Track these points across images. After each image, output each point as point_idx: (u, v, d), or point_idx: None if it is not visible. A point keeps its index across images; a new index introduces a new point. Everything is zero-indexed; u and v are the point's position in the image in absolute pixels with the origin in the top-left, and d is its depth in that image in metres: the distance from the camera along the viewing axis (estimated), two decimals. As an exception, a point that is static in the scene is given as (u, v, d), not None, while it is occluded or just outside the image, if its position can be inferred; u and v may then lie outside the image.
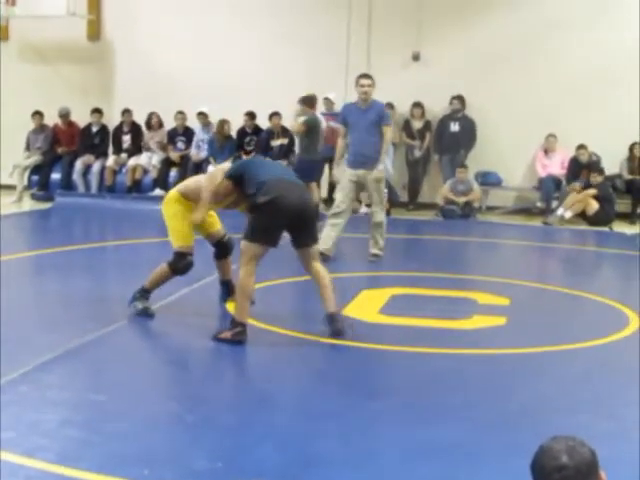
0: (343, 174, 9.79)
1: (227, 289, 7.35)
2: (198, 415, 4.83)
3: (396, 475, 4.09)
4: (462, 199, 13.69)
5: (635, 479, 3.99)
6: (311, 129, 12.51)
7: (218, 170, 6.82)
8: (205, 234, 7.20)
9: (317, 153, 12.79)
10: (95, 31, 16.11)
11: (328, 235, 9.53)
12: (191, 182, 7.16)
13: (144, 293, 6.96)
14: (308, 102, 12.81)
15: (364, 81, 9.57)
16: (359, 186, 9.85)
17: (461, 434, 4.59)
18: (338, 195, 9.80)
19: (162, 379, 5.77)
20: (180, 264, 6.85)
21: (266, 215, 6.16)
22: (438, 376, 5.75)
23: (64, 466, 4.05)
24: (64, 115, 15.35)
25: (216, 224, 7.24)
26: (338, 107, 14.18)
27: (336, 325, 6.37)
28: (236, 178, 6.43)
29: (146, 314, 6.87)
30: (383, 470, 4.13)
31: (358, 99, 9.68)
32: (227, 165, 7.14)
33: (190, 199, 6.85)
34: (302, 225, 6.33)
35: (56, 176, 15.14)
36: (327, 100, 14.13)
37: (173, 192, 7.08)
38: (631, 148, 13.89)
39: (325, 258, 9.08)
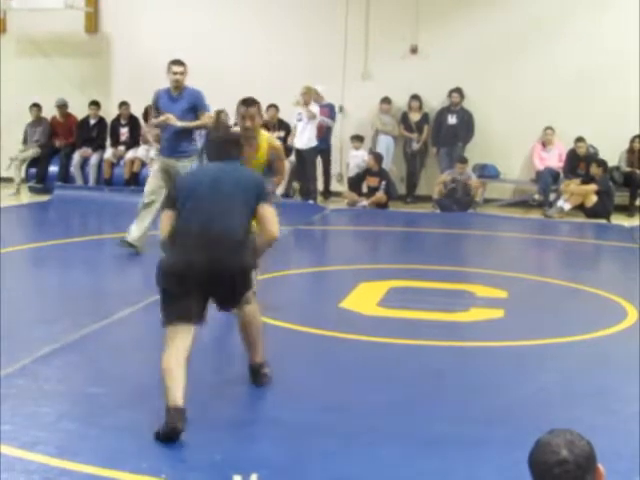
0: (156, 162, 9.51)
1: None
2: (196, 409, 4.82)
3: (396, 469, 4.10)
4: (460, 183, 13.47)
5: (633, 472, 3.99)
6: None
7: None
8: None
9: None
10: (93, 24, 16.04)
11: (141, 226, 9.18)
12: None
13: None
14: None
15: (176, 68, 9.15)
16: (168, 174, 9.06)
17: (459, 427, 4.59)
18: (148, 186, 9.27)
19: (160, 372, 5.75)
20: None
21: None
22: (436, 369, 5.75)
23: (62, 459, 4.05)
24: (61, 106, 15.31)
25: None
26: (326, 100, 14.20)
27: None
28: None
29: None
30: (383, 464, 4.13)
31: (170, 86, 9.30)
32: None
33: None
34: None
35: (54, 169, 15.13)
36: (315, 92, 13.93)
37: None
38: (632, 141, 13.84)
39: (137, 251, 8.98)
